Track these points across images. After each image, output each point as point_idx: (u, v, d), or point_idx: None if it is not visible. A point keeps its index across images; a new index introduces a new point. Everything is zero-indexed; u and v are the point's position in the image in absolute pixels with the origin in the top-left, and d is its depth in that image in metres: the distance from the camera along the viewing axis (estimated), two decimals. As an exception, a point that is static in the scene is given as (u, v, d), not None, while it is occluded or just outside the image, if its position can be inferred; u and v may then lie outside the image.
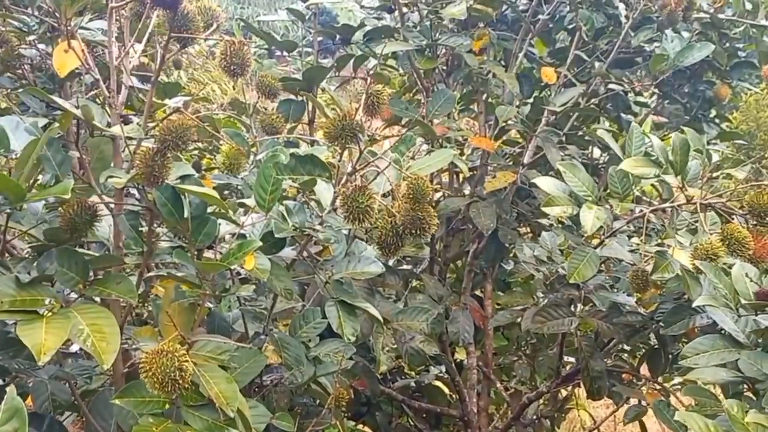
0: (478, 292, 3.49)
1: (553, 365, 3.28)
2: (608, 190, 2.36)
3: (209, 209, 1.73)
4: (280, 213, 1.90)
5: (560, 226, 2.99)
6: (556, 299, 2.65)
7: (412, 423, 3.49)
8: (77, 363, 2.00)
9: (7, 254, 1.85)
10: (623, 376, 3.04)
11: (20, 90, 2.32)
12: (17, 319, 1.52)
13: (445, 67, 3.10)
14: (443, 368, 3.41)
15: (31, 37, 2.19)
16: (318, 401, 2.37)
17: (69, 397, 1.91)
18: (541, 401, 3.67)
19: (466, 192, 3.25)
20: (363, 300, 1.97)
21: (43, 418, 1.89)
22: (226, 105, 3.14)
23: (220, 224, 1.72)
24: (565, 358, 3.26)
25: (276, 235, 1.82)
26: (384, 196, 1.89)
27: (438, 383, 3.60)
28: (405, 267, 3.25)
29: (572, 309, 2.64)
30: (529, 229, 3.59)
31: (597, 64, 3.12)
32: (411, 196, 1.70)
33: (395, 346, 2.73)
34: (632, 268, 2.33)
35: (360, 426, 3.39)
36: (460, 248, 3.34)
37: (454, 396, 3.54)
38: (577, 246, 2.33)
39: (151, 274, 2.01)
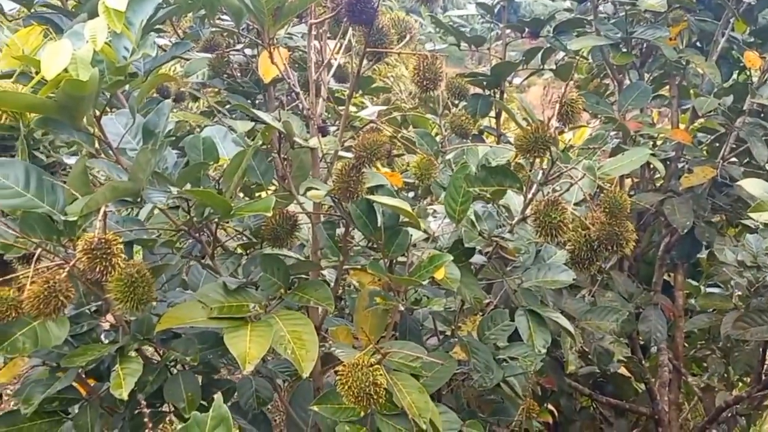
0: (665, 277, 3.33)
1: (750, 362, 3.10)
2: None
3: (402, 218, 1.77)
4: (470, 220, 1.90)
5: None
6: (760, 304, 2.50)
7: (596, 408, 3.42)
8: (278, 359, 2.11)
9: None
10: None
11: (227, 93, 2.46)
12: (225, 326, 1.61)
13: (638, 56, 2.97)
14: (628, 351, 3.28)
15: (239, 46, 2.31)
16: (504, 401, 2.38)
17: (271, 393, 2.02)
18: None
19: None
20: (553, 310, 1.94)
21: (246, 411, 2.01)
22: (414, 95, 3.18)
23: (411, 234, 1.75)
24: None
25: (466, 245, 1.83)
26: (576, 205, 1.85)
27: (624, 371, 3.49)
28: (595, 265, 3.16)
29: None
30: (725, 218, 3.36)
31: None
32: (607, 209, 1.65)
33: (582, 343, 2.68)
34: None
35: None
36: (650, 243, 3.21)
37: (640, 386, 3.43)
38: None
39: (346, 267, 2.08)
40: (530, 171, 1.81)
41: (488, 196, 1.80)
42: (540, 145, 1.65)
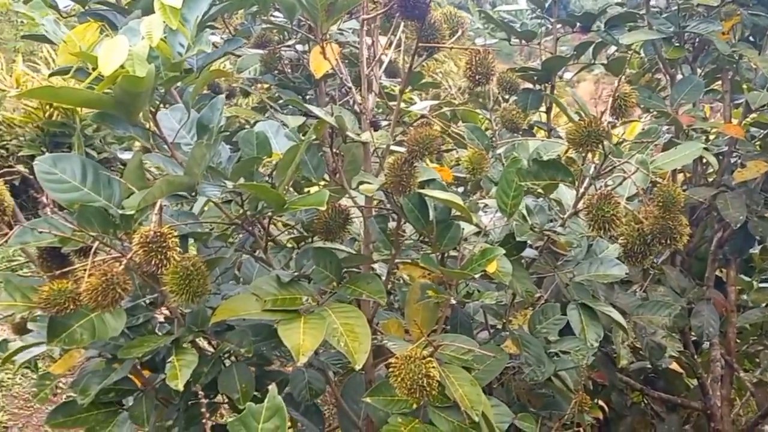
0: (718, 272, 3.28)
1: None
2: None
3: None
4: (521, 214, 1.89)
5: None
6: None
7: (647, 404, 3.38)
8: (330, 352, 2.12)
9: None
10: None
11: (279, 88, 2.48)
12: (278, 318, 1.63)
13: (690, 50, 2.92)
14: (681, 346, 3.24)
15: (291, 42, 2.33)
16: (555, 395, 2.36)
17: (324, 385, 2.03)
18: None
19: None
20: (605, 303, 1.92)
21: (299, 403, 2.03)
22: (464, 90, 3.17)
23: (463, 228, 1.75)
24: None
25: (517, 238, 1.82)
26: (629, 199, 1.83)
27: (675, 366, 3.45)
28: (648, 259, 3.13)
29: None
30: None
31: None
32: (661, 203, 1.63)
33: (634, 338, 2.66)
34: None
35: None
36: (702, 238, 3.16)
37: (692, 381, 3.38)
38: None
39: (396, 261, 2.09)
40: (582, 165, 1.79)
41: (539, 190, 1.80)
42: (593, 139, 1.63)
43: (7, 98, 7.18)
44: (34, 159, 1.61)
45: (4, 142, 6.69)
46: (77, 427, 1.90)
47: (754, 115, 3.01)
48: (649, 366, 3.31)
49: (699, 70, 2.91)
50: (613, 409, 3.18)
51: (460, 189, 2.83)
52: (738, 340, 3.43)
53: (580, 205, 1.79)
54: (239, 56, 2.55)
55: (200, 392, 1.57)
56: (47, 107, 6.88)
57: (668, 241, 1.64)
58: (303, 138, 1.76)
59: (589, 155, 1.83)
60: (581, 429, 2.04)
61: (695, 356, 3.14)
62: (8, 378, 4.76)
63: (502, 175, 1.72)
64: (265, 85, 2.71)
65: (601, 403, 3.01)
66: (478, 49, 1.61)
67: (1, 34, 11.99)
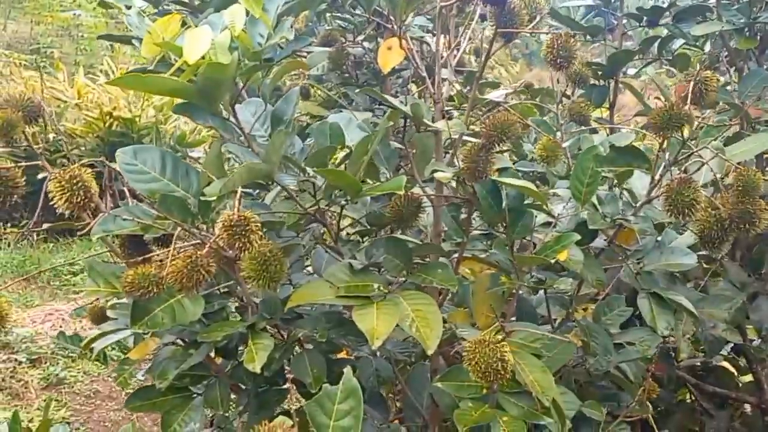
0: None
1: None
2: None
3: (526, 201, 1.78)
4: (592, 203, 1.90)
5: None
6: None
7: (695, 399, 3.34)
8: (396, 341, 2.14)
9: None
10: None
11: (346, 85, 2.52)
12: (351, 303, 1.66)
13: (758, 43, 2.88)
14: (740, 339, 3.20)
15: (360, 37, 2.36)
16: (616, 386, 2.35)
17: (390, 373, 2.05)
18: None
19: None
20: (676, 292, 1.91)
21: (363, 390, 2.05)
22: (520, 87, 3.17)
23: (536, 216, 1.76)
24: None
25: (590, 227, 1.83)
26: (704, 186, 1.82)
27: (725, 364, 3.40)
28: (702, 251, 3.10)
29: None
30: None
31: None
32: (740, 187, 1.62)
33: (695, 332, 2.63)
34: None
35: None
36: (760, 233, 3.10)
37: (741, 378, 3.33)
38: None
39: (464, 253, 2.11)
40: (659, 152, 1.79)
41: (614, 177, 1.79)
42: (674, 122, 1.62)
43: (69, 109, 7.38)
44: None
45: (66, 153, 6.87)
46: (154, 410, 1.95)
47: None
48: (699, 363, 3.28)
49: (766, 65, 2.87)
50: (658, 406, 3.15)
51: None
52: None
53: (657, 192, 1.78)
54: (305, 55, 2.59)
55: (286, 373, 1.59)
56: (107, 118, 7.07)
57: (747, 225, 1.63)
58: (375, 129, 1.78)
59: (666, 143, 1.82)
60: (645, 416, 2.02)
61: (751, 350, 3.09)
62: (71, 376, 4.88)
63: (577, 161, 1.73)
64: (328, 84, 2.74)
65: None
66: (560, 32, 1.62)
67: (61, 49, 12.33)
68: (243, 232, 1.47)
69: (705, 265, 2.94)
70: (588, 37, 2.68)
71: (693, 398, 3.30)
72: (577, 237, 1.63)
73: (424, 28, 2.38)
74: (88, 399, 4.71)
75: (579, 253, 1.74)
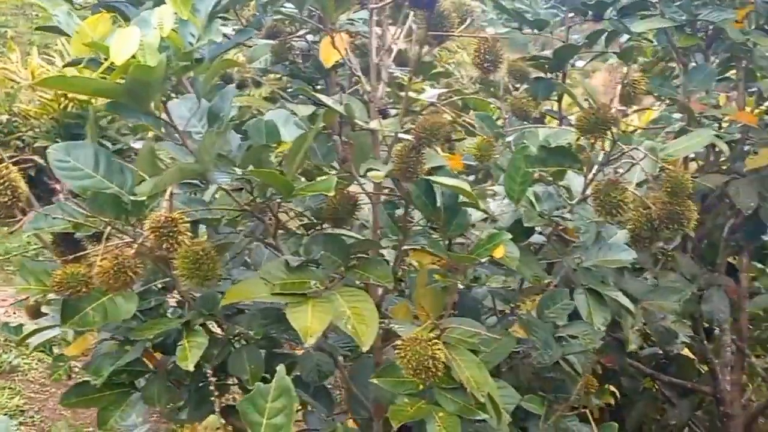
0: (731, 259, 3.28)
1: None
2: None
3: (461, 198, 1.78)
4: (529, 200, 1.91)
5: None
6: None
7: (658, 389, 3.39)
8: (338, 336, 2.15)
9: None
10: None
11: (290, 78, 2.50)
12: (287, 301, 1.66)
13: (703, 38, 2.91)
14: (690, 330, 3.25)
15: (302, 31, 2.35)
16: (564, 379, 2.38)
17: (332, 368, 2.06)
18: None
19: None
20: (613, 288, 1.94)
21: (309, 384, 2.06)
22: (475, 80, 3.17)
23: (470, 215, 1.77)
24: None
25: (525, 224, 1.84)
26: (639, 185, 1.85)
27: (687, 352, 3.45)
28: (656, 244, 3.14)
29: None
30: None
31: None
32: (669, 189, 1.65)
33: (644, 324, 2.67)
34: None
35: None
36: (714, 224, 3.16)
37: (703, 367, 3.39)
38: None
39: (406, 247, 2.11)
40: (591, 152, 1.81)
41: (548, 177, 1.81)
42: (601, 126, 1.64)
43: (23, 90, 7.26)
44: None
45: (20, 134, 6.77)
46: (90, 406, 1.95)
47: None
48: (661, 352, 3.32)
49: (713, 59, 2.90)
50: (624, 394, 3.19)
51: (471, 177, 2.84)
52: (751, 327, 3.44)
53: (588, 192, 1.80)
54: (251, 47, 2.57)
55: (209, 372, 1.60)
56: (62, 99, 6.96)
57: (676, 226, 1.66)
58: (312, 126, 1.78)
59: (600, 143, 1.84)
60: (587, 410, 2.05)
61: (705, 342, 3.14)
62: (25, 363, 4.83)
63: (510, 162, 1.74)
64: (277, 76, 2.72)
65: (612, 388, 3.03)
66: (487, 37, 1.63)
67: (16, 28, 12.09)
68: (170, 233, 1.47)
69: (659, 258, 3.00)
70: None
71: (656, 387, 3.36)
72: (508, 235, 1.64)
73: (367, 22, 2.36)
74: (43, 387, 4.67)
75: (515, 249, 1.75)
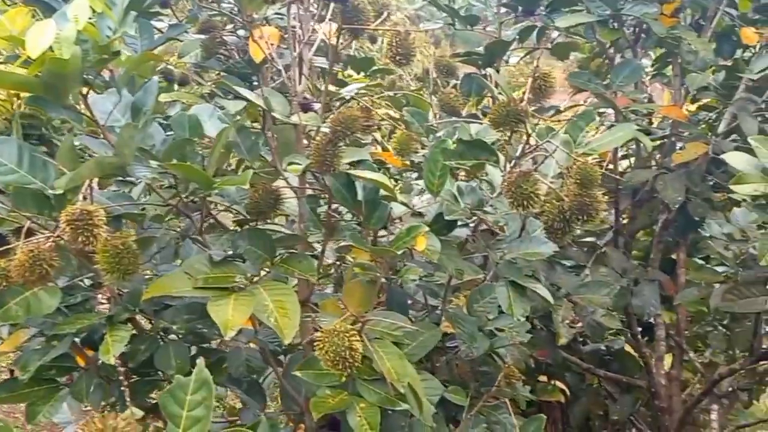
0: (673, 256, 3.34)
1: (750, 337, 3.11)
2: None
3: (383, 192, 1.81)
4: (452, 194, 1.94)
5: (753, 202, 2.79)
6: (750, 277, 2.52)
7: (601, 385, 3.44)
8: (270, 331, 2.16)
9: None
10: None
11: (224, 74, 2.51)
12: (209, 295, 1.67)
13: (633, 34, 2.96)
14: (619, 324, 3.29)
15: (230, 26, 2.36)
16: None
17: (262, 363, 2.08)
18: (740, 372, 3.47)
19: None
20: (534, 280, 1.98)
21: (241, 381, 2.08)
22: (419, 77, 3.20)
23: (391, 208, 1.80)
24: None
25: (446, 217, 1.88)
26: (555, 178, 1.89)
27: (629, 348, 3.50)
28: (588, 239, 3.20)
29: (769, 288, 2.48)
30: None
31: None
32: (579, 180, 1.69)
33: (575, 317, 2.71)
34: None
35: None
36: (648, 219, 3.22)
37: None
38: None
39: (342, 244, 2.14)
40: (507, 145, 1.84)
41: (467, 169, 1.85)
42: (511, 119, 1.68)
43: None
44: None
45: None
46: (19, 402, 1.95)
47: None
48: (604, 348, 3.37)
49: (651, 53, 2.95)
50: (572, 392, 3.23)
51: (415, 175, 2.87)
52: (690, 321, 3.50)
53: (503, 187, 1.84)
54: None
55: (120, 368, 1.61)
56: (15, 98, 6.87)
57: (585, 217, 1.70)
58: (235, 120, 1.80)
59: (523, 137, 1.88)
60: (506, 402, 2.09)
61: (638, 336, 3.20)
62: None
63: (428, 155, 1.77)
64: (214, 72, 2.73)
65: (561, 385, 3.07)
66: (399, 30, 1.66)
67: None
68: (86, 227, 1.48)
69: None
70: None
71: (599, 383, 3.41)
72: (426, 228, 1.68)
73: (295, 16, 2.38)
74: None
75: (437, 242, 1.78)
